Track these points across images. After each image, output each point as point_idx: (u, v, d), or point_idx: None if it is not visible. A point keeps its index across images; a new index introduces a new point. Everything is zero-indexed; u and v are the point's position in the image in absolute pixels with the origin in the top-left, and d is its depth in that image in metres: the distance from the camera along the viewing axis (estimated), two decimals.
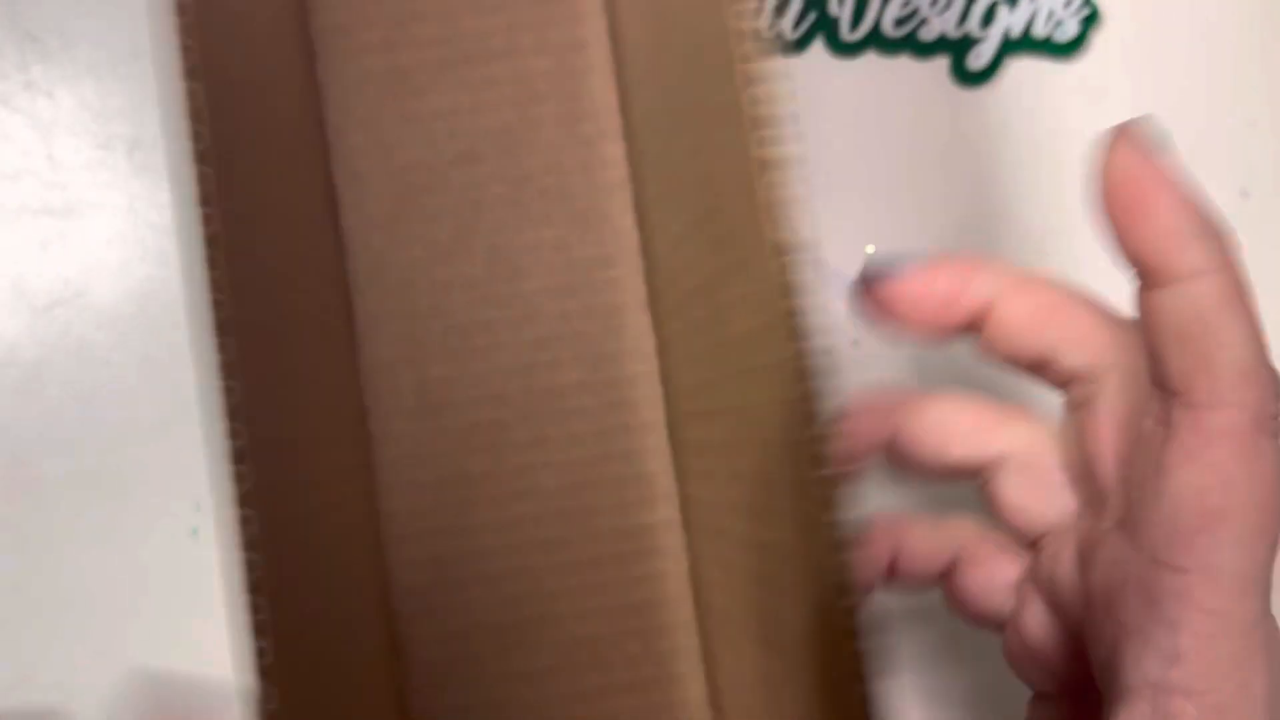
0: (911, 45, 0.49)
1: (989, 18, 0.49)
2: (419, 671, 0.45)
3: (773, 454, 0.33)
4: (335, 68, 0.45)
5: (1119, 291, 0.49)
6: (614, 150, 0.47)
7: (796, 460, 0.31)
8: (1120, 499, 0.31)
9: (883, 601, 0.33)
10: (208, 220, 0.30)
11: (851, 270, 0.34)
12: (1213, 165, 0.49)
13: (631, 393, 0.46)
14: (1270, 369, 0.29)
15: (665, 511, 0.47)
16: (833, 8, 0.49)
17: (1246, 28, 0.50)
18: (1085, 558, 0.32)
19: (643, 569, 0.46)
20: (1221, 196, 0.48)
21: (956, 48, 0.49)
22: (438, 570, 0.45)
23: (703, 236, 0.37)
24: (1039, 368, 0.34)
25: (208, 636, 0.46)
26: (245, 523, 0.30)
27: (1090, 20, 0.49)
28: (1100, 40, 0.50)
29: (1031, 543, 0.35)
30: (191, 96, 0.30)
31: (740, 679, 0.44)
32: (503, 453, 0.46)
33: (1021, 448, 0.34)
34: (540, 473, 0.46)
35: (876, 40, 0.49)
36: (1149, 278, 0.30)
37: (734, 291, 0.34)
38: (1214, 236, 0.30)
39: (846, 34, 0.49)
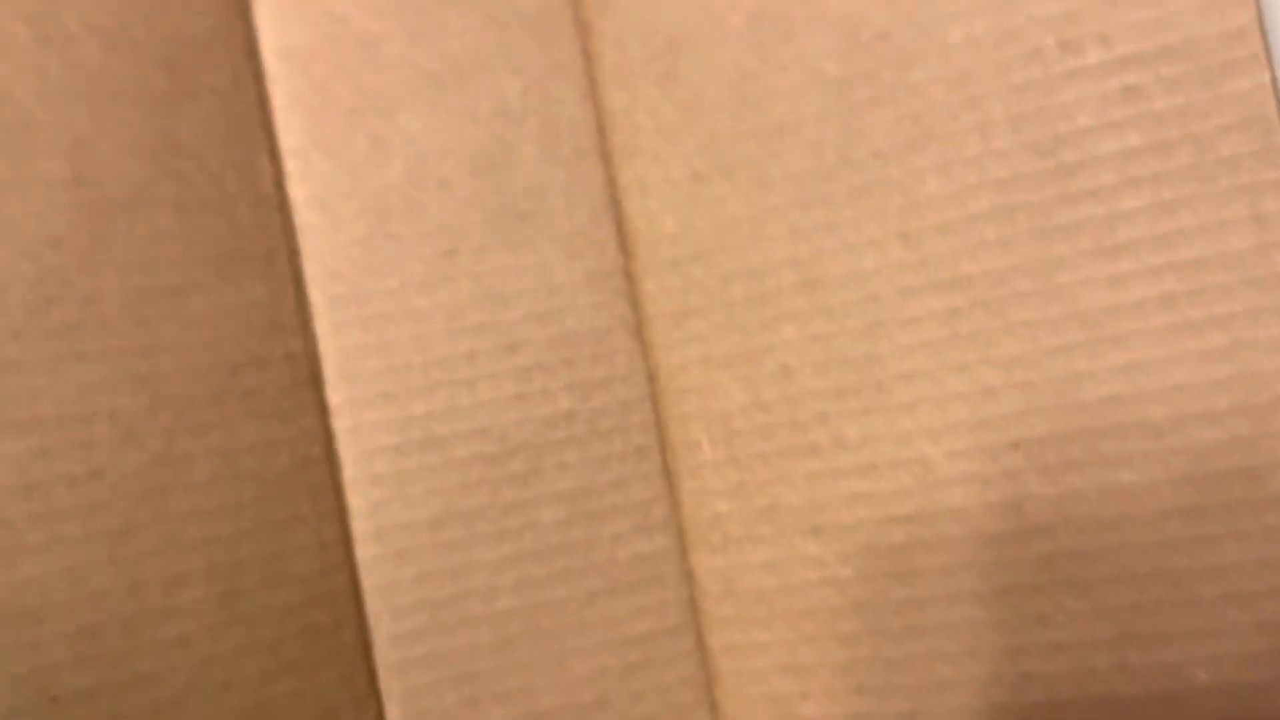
0: None
1: None
2: None
3: None
4: (292, 92, 0.41)
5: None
6: (596, 173, 0.43)
7: None
8: None
9: None
10: None
11: None
12: None
13: (623, 419, 0.43)
14: None
15: (662, 540, 0.43)
16: None
17: None
18: None
19: (643, 600, 0.42)
20: None
21: None
22: (428, 615, 0.41)
23: None
24: None
25: None
26: None
27: None
28: None
29: None
30: None
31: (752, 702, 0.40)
32: (495, 488, 0.42)
33: None
34: (535, 507, 0.42)
35: None
36: None
37: None
38: None
39: None
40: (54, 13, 0.37)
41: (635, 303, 0.43)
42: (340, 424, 0.42)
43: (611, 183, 0.44)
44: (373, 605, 0.41)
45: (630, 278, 0.43)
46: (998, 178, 0.34)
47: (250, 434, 0.39)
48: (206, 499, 0.38)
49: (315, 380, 0.42)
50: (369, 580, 0.41)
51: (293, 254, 0.42)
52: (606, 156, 0.44)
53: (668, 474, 0.43)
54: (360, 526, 0.42)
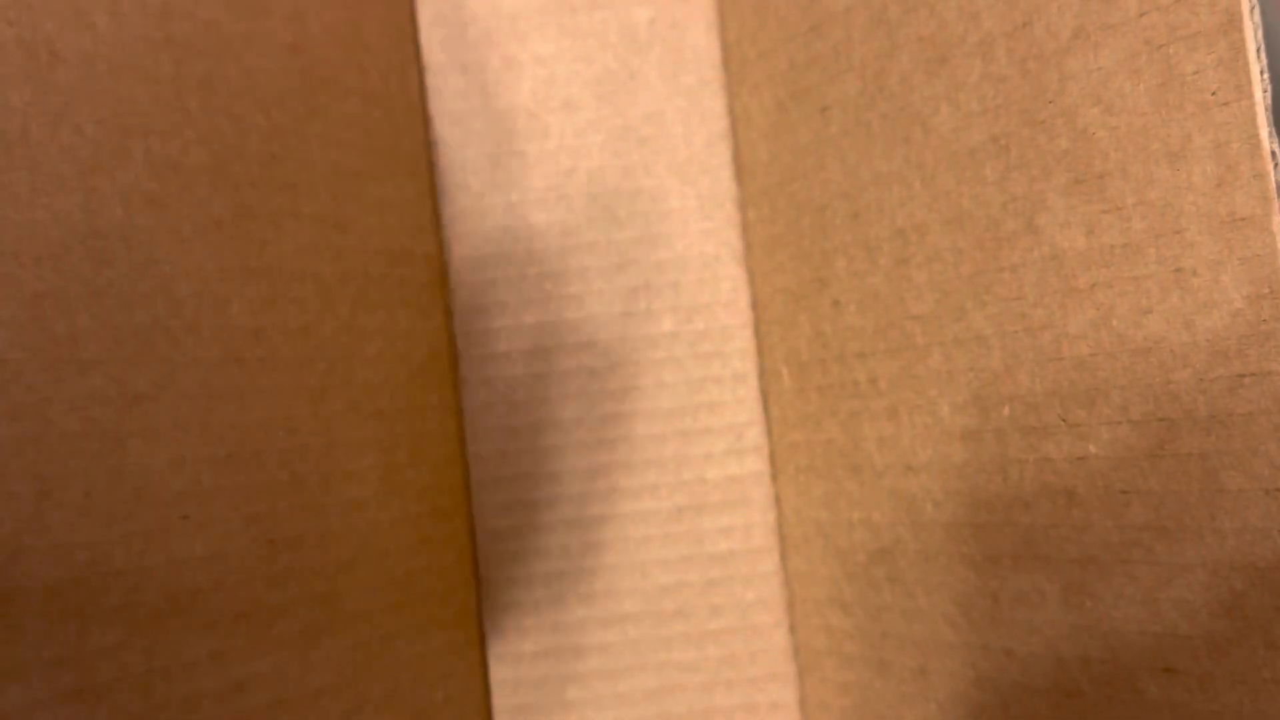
0: None
1: None
2: (501, 613, 0.41)
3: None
4: (437, 10, 0.41)
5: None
6: (715, 102, 0.40)
7: None
8: None
9: None
10: None
11: None
12: None
13: (724, 345, 0.40)
14: None
15: (753, 464, 0.40)
16: None
17: None
18: None
19: (729, 520, 0.40)
20: None
21: None
22: (525, 514, 0.41)
23: None
24: None
25: None
26: None
27: None
28: None
29: None
30: None
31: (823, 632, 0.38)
32: (595, 399, 0.41)
33: None
34: (630, 421, 0.40)
35: None
36: None
37: None
38: None
39: None
40: None
41: (744, 231, 0.41)
42: (459, 327, 0.42)
43: (729, 111, 0.41)
44: (477, 499, 0.42)
45: (741, 206, 0.41)
46: (994, 105, 0.29)
47: (402, 321, 0.41)
48: (376, 373, 0.39)
49: (444, 282, 0.42)
50: (475, 475, 0.42)
51: (430, 164, 0.42)
52: (727, 86, 0.41)
53: (764, 400, 0.41)
54: (471, 425, 0.42)
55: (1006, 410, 0.31)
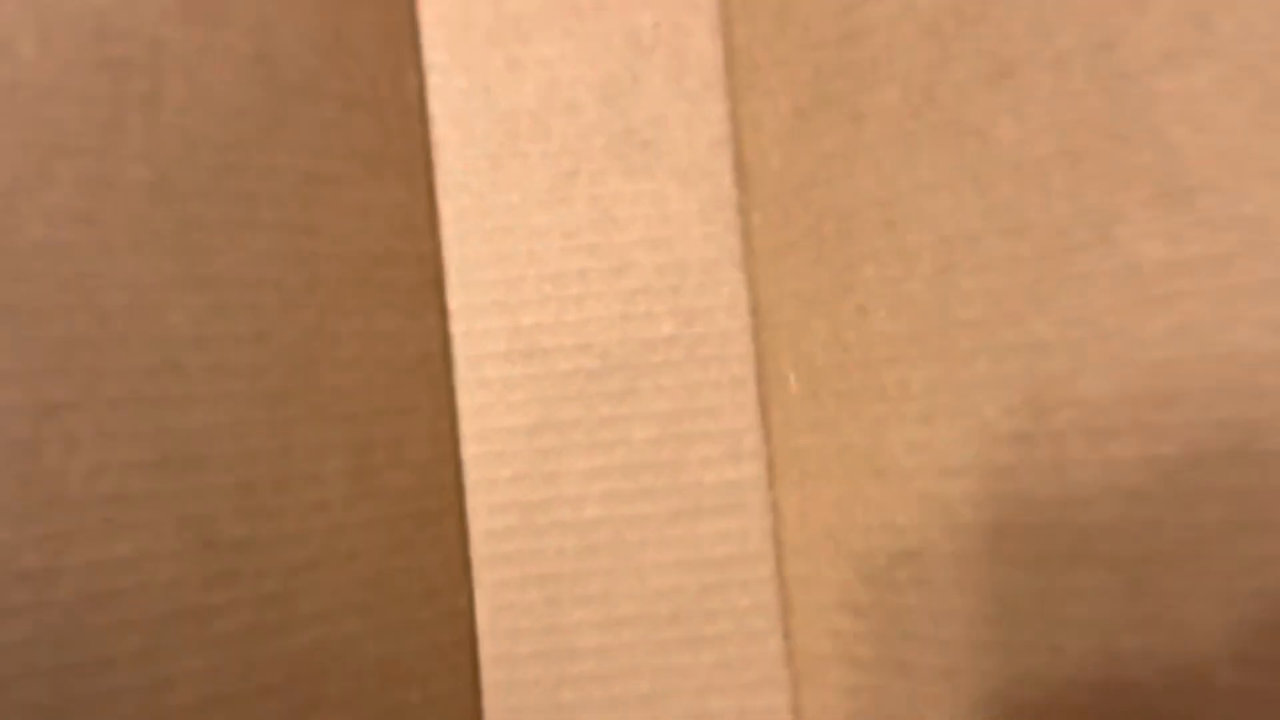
0: None
1: None
2: (494, 614, 0.40)
3: None
4: (440, 10, 0.40)
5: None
6: (718, 107, 0.40)
7: None
8: None
9: None
10: None
11: None
12: None
13: (723, 349, 0.40)
14: None
15: (751, 469, 0.40)
16: None
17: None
18: None
19: (725, 525, 0.40)
20: None
21: None
22: (520, 516, 0.40)
23: None
24: None
25: None
26: None
27: None
28: None
29: None
30: None
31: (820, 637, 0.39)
32: (592, 402, 0.40)
33: None
34: (628, 424, 0.40)
35: None
36: None
37: None
38: None
39: None
40: None
41: (745, 236, 0.41)
42: (456, 327, 0.41)
43: (732, 117, 0.41)
44: (472, 500, 0.41)
45: (742, 211, 0.41)
46: (1067, 119, 0.30)
47: (385, 323, 0.40)
48: (348, 377, 0.39)
49: (439, 283, 0.41)
50: (470, 476, 0.41)
51: (427, 164, 0.41)
52: (731, 91, 0.41)
53: (762, 405, 0.41)
54: (467, 426, 0.41)
55: (1067, 413, 0.31)
